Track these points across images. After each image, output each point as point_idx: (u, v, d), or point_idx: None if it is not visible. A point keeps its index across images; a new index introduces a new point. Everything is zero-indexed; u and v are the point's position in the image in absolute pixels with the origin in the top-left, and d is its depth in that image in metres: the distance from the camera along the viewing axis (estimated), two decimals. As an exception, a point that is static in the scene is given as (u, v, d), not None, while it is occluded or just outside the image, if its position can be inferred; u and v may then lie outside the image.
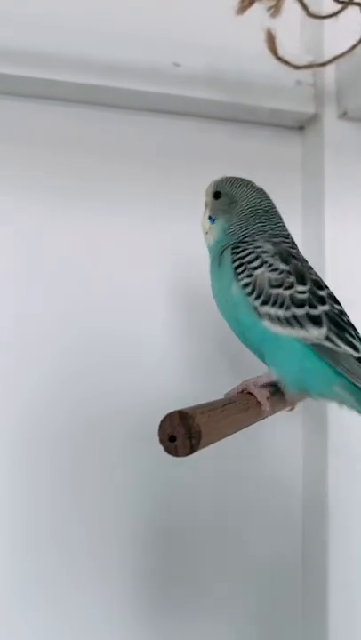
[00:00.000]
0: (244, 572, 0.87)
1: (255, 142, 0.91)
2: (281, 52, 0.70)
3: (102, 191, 0.85)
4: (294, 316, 0.51)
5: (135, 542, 0.83)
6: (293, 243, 0.61)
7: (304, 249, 0.88)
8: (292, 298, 0.52)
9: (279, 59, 0.69)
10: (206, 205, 0.65)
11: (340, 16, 0.69)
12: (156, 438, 0.79)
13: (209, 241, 0.62)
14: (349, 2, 0.68)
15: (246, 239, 0.56)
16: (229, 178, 0.65)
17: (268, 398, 0.52)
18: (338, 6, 0.68)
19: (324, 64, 0.71)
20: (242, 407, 0.46)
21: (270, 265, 0.53)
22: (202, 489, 0.86)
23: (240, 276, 0.53)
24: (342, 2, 0.67)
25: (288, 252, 0.55)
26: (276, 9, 0.62)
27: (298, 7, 0.68)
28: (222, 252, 0.58)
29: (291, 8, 0.70)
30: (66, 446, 0.81)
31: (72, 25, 0.77)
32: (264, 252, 0.54)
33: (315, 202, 0.89)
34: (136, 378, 0.84)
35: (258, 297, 0.52)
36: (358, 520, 0.86)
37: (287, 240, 0.59)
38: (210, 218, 0.63)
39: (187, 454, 0.36)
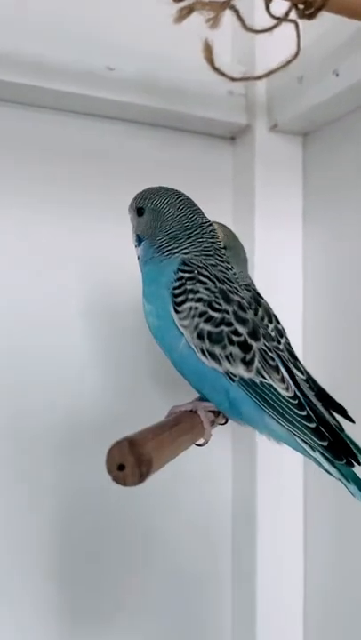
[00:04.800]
0: (172, 588, 0.87)
1: (186, 150, 0.90)
2: (216, 63, 0.70)
3: (21, 194, 0.81)
4: (230, 354, 0.51)
5: (61, 557, 0.81)
6: (219, 250, 0.58)
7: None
8: (229, 337, 0.51)
9: (215, 69, 0.69)
10: (132, 222, 0.61)
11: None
12: (82, 453, 0.78)
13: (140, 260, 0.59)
14: (284, 18, 0.69)
15: (188, 263, 0.53)
16: (148, 191, 0.60)
17: (212, 424, 0.52)
18: (272, 20, 0.69)
19: (260, 77, 0.71)
20: (187, 428, 0.45)
21: (210, 302, 0.51)
22: (131, 504, 0.85)
23: (180, 307, 0.51)
24: (277, 18, 0.68)
25: (229, 288, 0.54)
26: (215, 21, 0.61)
27: (230, 17, 0.68)
28: (155, 272, 0.55)
29: (224, 18, 0.70)
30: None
31: (5, 21, 0.74)
32: (204, 283, 0.52)
33: (245, 213, 0.90)
34: (58, 392, 0.81)
35: (194, 330, 0.51)
36: (285, 532, 0.87)
37: (220, 254, 0.58)
38: (137, 237, 0.59)
39: (136, 483, 0.34)
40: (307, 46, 0.81)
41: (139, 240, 0.58)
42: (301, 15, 0.68)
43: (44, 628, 0.80)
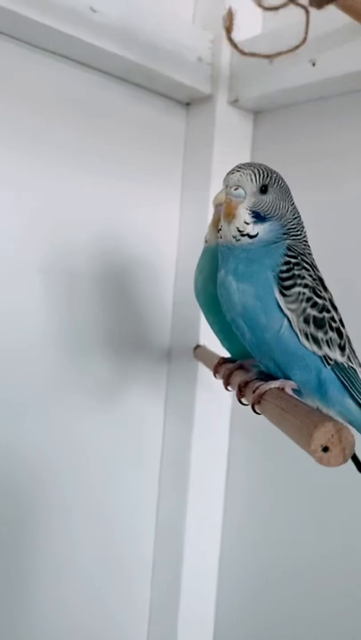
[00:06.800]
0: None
1: (143, 107, 0.88)
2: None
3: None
4: (330, 339, 0.54)
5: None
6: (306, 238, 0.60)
7: (182, 223, 0.91)
8: (329, 323, 0.54)
9: (230, 40, 0.68)
10: (234, 196, 0.54)
11: None
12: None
13: (238, 237, 0.54)
14: (294, 1, 0.70)
15: (292, 249, 0.54)
16: (267, 168, 0.55)
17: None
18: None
19: (269, 56, 0.71)
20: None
21: (313, 288, 0.54)
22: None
23: (288, 291, 0.53)
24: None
25: (322, 276, 0.57)
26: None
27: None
28: (260, 252, 0.54)
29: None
30: None
31: None
32: (307, 270, 0.54)
33: (197, 183, 0.90)
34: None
35: (301, 314, 0.53)
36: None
37: (308, 242, 0.59)
38: (253, 213, 0.54)
39: (340, 464, 0.36)
40: (282, 28, 0.84)
41: (259, 218, 0.54)
42: (312, 2, 0.70)
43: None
